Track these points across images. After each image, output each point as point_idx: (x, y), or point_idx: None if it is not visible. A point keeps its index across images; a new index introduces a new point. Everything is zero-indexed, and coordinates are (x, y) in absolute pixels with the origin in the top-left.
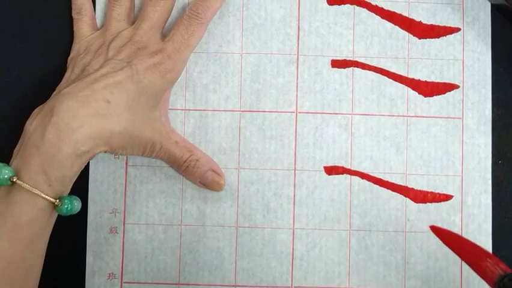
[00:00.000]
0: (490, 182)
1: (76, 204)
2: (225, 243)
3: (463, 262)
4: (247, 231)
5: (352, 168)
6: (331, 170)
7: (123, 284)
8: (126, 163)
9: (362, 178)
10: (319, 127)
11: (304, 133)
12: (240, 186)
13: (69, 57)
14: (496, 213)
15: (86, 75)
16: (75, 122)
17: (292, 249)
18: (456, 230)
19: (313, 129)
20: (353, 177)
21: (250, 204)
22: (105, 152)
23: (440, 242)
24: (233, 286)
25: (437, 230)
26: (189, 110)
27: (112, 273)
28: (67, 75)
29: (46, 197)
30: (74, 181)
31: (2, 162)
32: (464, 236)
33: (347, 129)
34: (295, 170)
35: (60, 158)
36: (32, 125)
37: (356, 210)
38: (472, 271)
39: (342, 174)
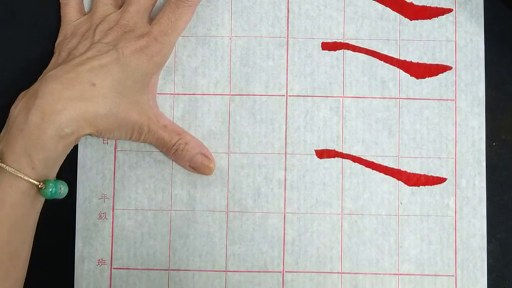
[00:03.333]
0: (484, 164)
1: (62, 189)
2: (215, 228)
3: (457, 245)
4: (237, 216)
5: (344, 152)
6: (322, 154)
7: (113, 270)
8: (115, 148)
9: (354, 161)
10: (310, 110)
11: (295, 116)
12: (230, 171)
13: (56, 42)
14: (490, 196)
15: (71, 59)
16: (59, 104)
17: (284, 233)
18: (450, 213)
19: (304, 112)
20: (344, 160)
21: (240, 189)
22: (91, 135)
23: (434, 226)
24: (224, 271)
25: None
26: (178, 94)
27: (102, 259)
28: (53, 59)
29: (29, 179)
30: (59, 164)
31: None
32: (458, 219)
33: (338, 112)
34: (286, 153)
35: (44, 140)
36: (16, 108)
37: (348, 194)
38: (467, 255)
39: (334, 157)
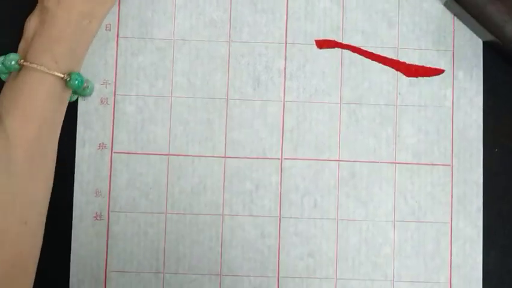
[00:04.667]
0: (481, 57)
1: (89, 83)
2: (215, 115)
3: (454, 135)
4: (237, 103)
5: (343, 42)
6: (322, 44)
7: (113, 154)
8: (117, 35)
9: (354, 52)
10: (310, 0)
11: (296, 6)
12: (231, 59)
13: None
14: (490, 202)
15: None
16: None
17: (283, 121)
18: (447, 104)
19: (305, 2)
20: (344, 50)
21: (241, 77)
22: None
23: (431, 116)
24: (223, 157)
25: None
26: None
27: (103, 144)
28: None
29: (54, 72)
30: (82, 59)
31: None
32: (455, 110)
33: (339, 2)
34: (286, 43)
35: (63, 32)
36: (31, 20)
37: (347, 83)
38: (463, 144)
39: (334, 47)
